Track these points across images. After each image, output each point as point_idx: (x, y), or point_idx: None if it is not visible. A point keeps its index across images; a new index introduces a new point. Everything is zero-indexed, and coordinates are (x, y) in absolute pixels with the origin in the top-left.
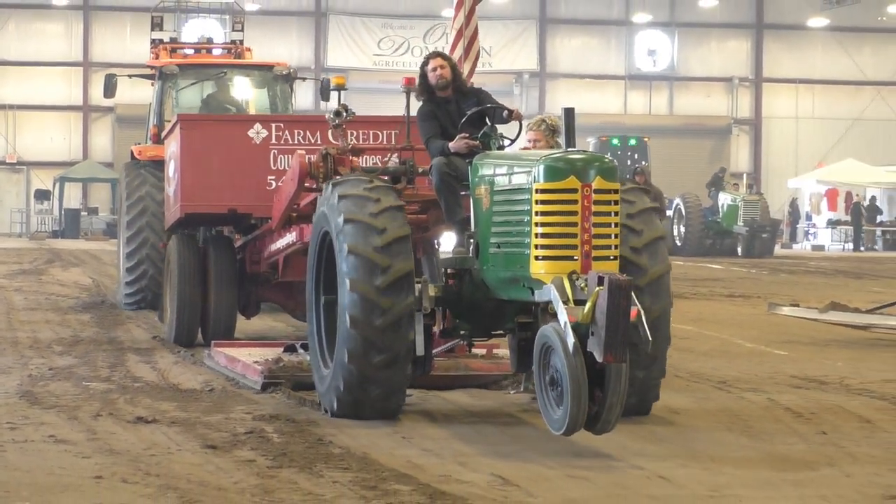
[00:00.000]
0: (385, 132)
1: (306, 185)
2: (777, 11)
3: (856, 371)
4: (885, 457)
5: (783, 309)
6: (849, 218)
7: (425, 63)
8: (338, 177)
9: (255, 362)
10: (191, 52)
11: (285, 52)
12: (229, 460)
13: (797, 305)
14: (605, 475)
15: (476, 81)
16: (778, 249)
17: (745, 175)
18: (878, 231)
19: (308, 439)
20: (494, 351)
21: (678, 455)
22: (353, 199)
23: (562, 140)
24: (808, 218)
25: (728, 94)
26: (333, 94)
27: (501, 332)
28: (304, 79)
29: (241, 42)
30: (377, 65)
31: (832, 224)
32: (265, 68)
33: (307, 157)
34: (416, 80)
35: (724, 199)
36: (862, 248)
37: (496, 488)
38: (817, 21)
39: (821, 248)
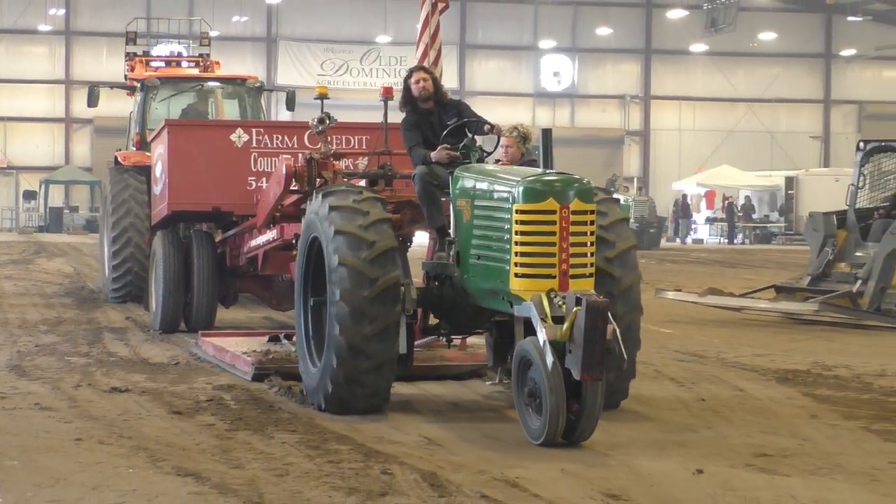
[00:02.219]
0: (356, 137)
1: (292, 188)
2: (663, 38)
3: (730, 347)
4: (755, 420)
5: (668, 293)
6: (724, 216)
7: (409, 76)
8: (326, 186)
9: (244, 353)
10: (163, 64)
11: (241, 72)
12: (192, 424)
13: (680, 290)
14: (516, 436)
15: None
16: (664, 243)
17: (635, 179)
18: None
19: (261, 406)
20: (468, 341)
21: None
22: (343, 211)
23: (533, 149)
24: (690, 216)
25: (621, 109)
26: (316, 103)
27: (479, 330)
28: (272, 90)
29: (208, 55)
30: (320, 83)
31: (710, 221)
32: (238, 81)
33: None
34: (401, 92)
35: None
36: (737, 241)
37: (423, 447)
38: (698, 47)
39: (700, 241)
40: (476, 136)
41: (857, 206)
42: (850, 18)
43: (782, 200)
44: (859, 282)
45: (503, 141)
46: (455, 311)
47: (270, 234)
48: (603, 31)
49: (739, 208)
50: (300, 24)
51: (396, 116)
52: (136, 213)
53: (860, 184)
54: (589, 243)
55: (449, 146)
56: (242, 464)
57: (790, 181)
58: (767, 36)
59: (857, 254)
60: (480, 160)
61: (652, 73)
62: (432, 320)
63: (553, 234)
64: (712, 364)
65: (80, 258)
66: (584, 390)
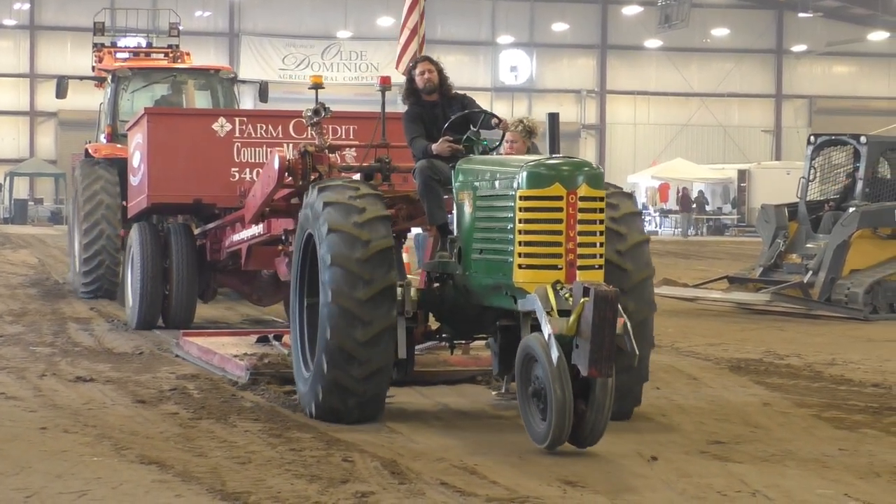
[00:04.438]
0: (343, 127)
1: (285, 182)
2: (618, 34)
3: (684, 336)
4: (709, 408)
5: None
6: (678, 208)
7: (413, 66)
8: (323, 180)
9: (236, 356)
10: (130, 55)
11: None
12: (156, 413)
13: None
14: (475, 424)
15: (363, 93)
16: None
17: None
18: (698, 220)
19: (224, 395)
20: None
21: None
22: (338, 208)
23: (539, 142)
24: (646, 208)
25: (577, 103)
26: (278, 97)
27: (483, 335)
28: (244, 81)
29: (178, 46)
30: (282, 77)
31: (664, 213)
32: (211, 72)
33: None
34: (404, 83)
35: None
36: (690, 233)
37: (383, 435)
38: (652, 42)
39: (654, 233)
40: (481, 131)
41: (808, 198)
42: (801, 15)
43: (735, 193)
44: (810, 273)
45: (508, 136)
46: (457, 314)
47: (256, 229)
48: (559, 26)
49: (695, 201)
50: (262, 19)
51: (388, 109)
52: (107, 204)
53: (811, 177)
54: (598, 232)
55: (451, 139)
56: (205, 452)
57: (742, 174)
58: (720, 32)
59: (808, 245)
60: (485, 153)
61: (607, 68)
62: (433, 324)
63: (559, 221)
64: (666, 353)
65: (44, 249)
66: (593, 388)
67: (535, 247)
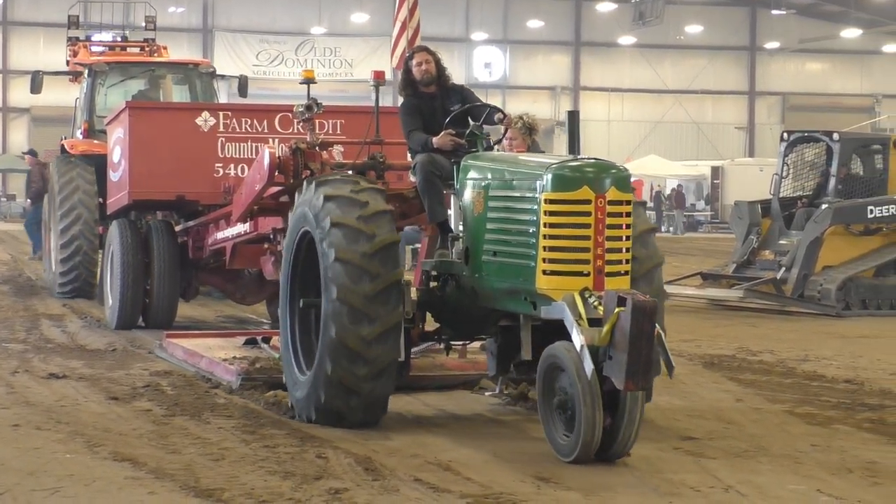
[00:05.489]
0: (330, 122)
1: (276, 179)
2: (592, 30)
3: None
4: (682, 404)
5: None
6: (652, 204)
7: (410, 57)
8: (318, 176)
9: (225, 360)
10: (106, 48)
11: None
12: (129, 410)
13: None
14: (450, 421)
15: (337, 89)
16: None
17: None
18: (670, 216)
19: (197, 391)
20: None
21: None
22: (340, 202)
23: (539, 140)
24: None
25: (552, 100)
26: (254, 93)
27: (483, 336)
28: (224, 76)
29: (154, 40)
30: (256, 74)
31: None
32: (190, 66)
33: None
34: (400, 75)
35: None
36: (663, 230)
37: (357, 432)
38: (626, 39)
39: None
40: (484, 126)
41: (781, 195)
42: (775, 12)
43: (708, 189)
44: (783, 269)
45: (507, 133)
46: (459, 315)
47: (242, 227)
48: (534, 23)
49: (665, 197)
50: (236, 15)
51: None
52: (85, 203)
53: (784, 173)
54: (625, 237)
55: (453, 132)
56: (179, 449)
57: (716, 171)
58: (694, 29)
59: (781, 242)
60: (489, 149)
61: (581, 65)
62: (430, 324)
63: (588, 226)
64: None
65: (17, 246)
66: (623, 401)
67: (561, 252)
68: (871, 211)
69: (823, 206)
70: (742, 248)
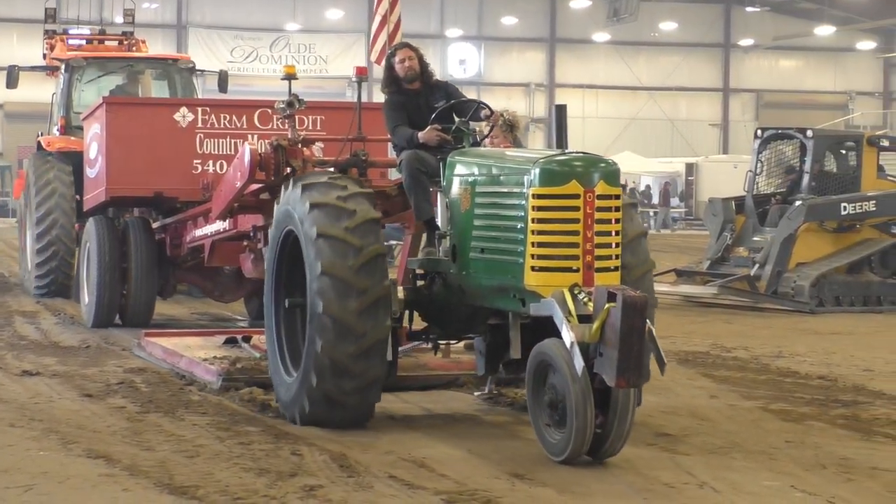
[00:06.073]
0: (310, 118)
1: (257, 177)
2: (567, 27)
3: None
4: (656, 401)
5: None
6: (659, 202)
7: (392, 54)
8: (304, 176)
9: (205, 360)
10: (84, 42)
11: None
12: (103, 407)
13: None
14: (424, 418)
15: (313, 85)
16: None
17: None
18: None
19: (171, 388)
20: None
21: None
22: (326, 210)
23: (520, 136)
24: None
25: (526, 97)
26: (284, 83)
27: (472, 335)
28: (203, 72)
29: (132, 34)
30: (230, 70)
31: None
32: (170, 61)
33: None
34: (383, 72)
35: None
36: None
37: (332, 429)
38: (601, 36)
39: None
40: (470, 122)
41: (755, 192)
42: (749, 9)
43: (682, 186)
44: (757, 266)
45: (486, 130)
46: (447, 314)
47: (221, 224)
48: (508, 20)
49: (639, 194)
50: (210, 11)
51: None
52: (62, 207)
53: (758, 170)
54: (614, 232)
55: (440, 127)
56: (153, 446)
57: (690, 167)
58: (668, 26)
59: (755, 238)
60: (475, 145)
61: (556, 62)
62: (417, 324)
63: (577, 221)
64: None
65: None
66: (615, 398)
67: (549, 248)
68: (845, 208)
69: (797, 203)
70: (716, 244)
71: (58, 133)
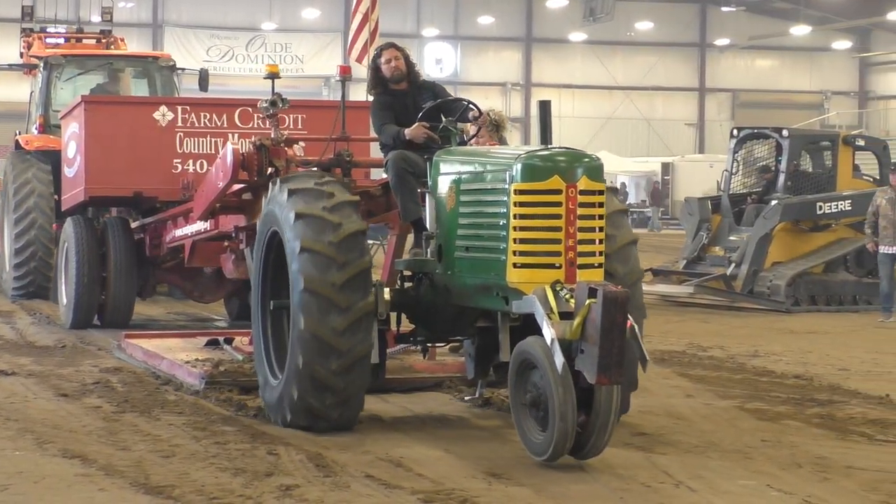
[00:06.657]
0: (291, 116)
1: (240, 177)
2: (543, 27)
3: None
4: (632, 400)
5: None
6: (650, 201)
7: (378, 55)
8: (290, 178)
9: (188, 363)
10: (62, 40)
11: None
12: (79, 407)
13: None
14: (400, 418)
15: (288, 84)
16: None
17: None
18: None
19: (147, 388)
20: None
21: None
22: (304, 194)
23: (506, 135)
24: None
25: (503, 96)
26: (266, 83)
27: (460, 337)
28: (183, 70)
29: (111, 31)
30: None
31: None
32: (150, 59)
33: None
34: (369, 73)
35: None
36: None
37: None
38: (577, 35)
39: None
40: (458, 122)
41: (731, 191)
42: (725, 9)
43: (651, 187)
44: (733, 265)
45: (472, 130)
46: (434, 315)
47: (202, 224)
48: (485, 19)
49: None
50: (186, 10)
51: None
52: (40, 207)
53: (734, 170)
54: (598, 228)
55: (427, 125)
56: (129, 445)
57: (666, 167)
58: (644, 25)
59: (731, 238)
60: (462, 144)
61: (533, 61)
62: (405, 326)
63: (559, 217)
64: None
65: None
66: (598, 396)
67: (531, 244)
68: (820, 207)
69: (773, 203)
70: (692, 244)
71: (36, 132)
